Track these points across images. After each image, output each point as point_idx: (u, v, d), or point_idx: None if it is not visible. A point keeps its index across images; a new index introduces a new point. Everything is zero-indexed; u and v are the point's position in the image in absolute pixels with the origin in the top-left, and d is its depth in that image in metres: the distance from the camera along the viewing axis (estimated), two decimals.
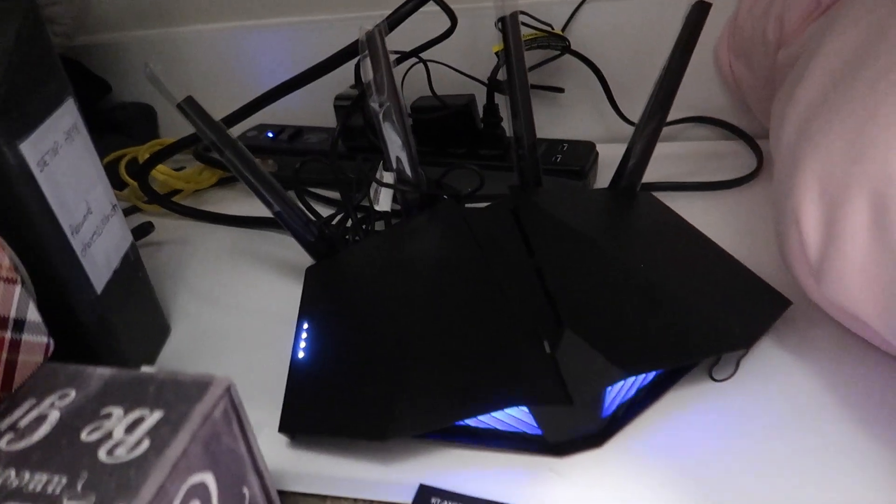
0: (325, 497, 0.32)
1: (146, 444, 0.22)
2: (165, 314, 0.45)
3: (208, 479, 0.23)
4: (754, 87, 0.53)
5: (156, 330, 0.43)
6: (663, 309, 0.34)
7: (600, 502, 0.30)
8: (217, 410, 0.23)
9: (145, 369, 0.25)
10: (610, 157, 0.53)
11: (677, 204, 0.44)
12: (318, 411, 0.34)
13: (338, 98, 0.56)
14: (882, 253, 0.29)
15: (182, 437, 0.22)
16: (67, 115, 0.35)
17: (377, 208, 0.46)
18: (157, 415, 0.23)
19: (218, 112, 0.47)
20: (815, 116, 0.35)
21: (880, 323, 0.31)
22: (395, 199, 0.46)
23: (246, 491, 0.25)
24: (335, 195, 0.56)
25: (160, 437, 0.22)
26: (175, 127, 0.68)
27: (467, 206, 0.46)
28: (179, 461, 0.21)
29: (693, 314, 0.34)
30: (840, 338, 0.36)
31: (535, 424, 0.32)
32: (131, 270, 0.40)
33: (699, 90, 0.58)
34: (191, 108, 0.38)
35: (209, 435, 0.23)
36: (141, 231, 0.53)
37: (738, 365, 0.36)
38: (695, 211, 0.43)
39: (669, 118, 0.42)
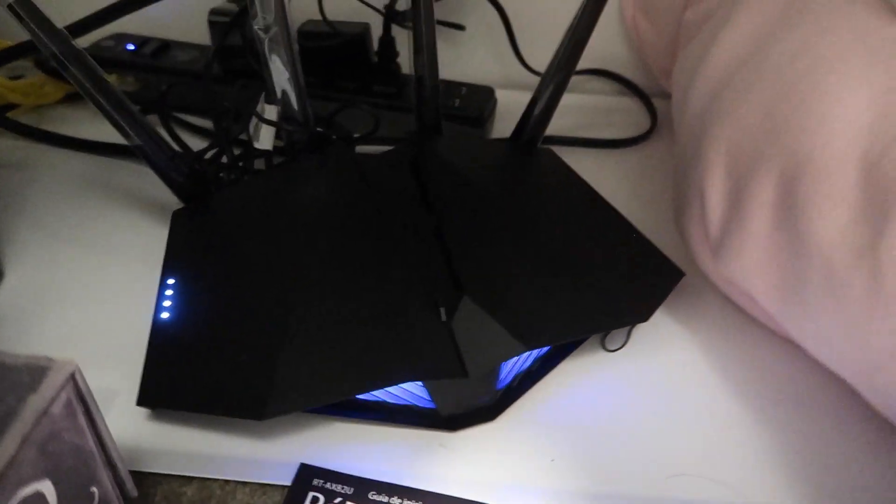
0: (190, 479, 0.29)
1: None
2: None
3: (45, 487, 0.19)
4: (656, 44, 0.52)
5: None
6: (564, 278, 0.33)
7: (492, 478, 0.29)
8: (57, 404, 0.19)
9: None
10: (507, 103, 0.51)
11: (571, 158, 0.43)
12: (183, 383, 0.30)
13: (213, 12, 0.49)
14: (783, 235, 0.29)
15: (9, 442, 0.18)
16: None
17: (257, 146, 0.41)
18: None
19: (67, 15, 0.39)
20: (728, 86, 0.34)
21: (770, 302, 0.31)
22: (278, 135, 0.42)
23: (95, 490, 0.22)
24: (207, 123, 0.50)
25: None
26: (13, 27, 0.58)
27: (359, 149, 0.42)
28: (6, 473, 0.17)
29: (592, 285, 0.33)
30: (726, 311, 0.37)
31: (428, 398, 0.30)
32: None
33: (599, 41, 0.56)
34: (24, 8, 0.31)
35: (46, 435, 0.19)
36: None
37: (629, 335, 0.35)
38: (588, 167, 0.42)
39: None
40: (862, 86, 0.27)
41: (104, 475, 0.22)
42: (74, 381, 0.20)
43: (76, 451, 0.20)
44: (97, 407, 0.21)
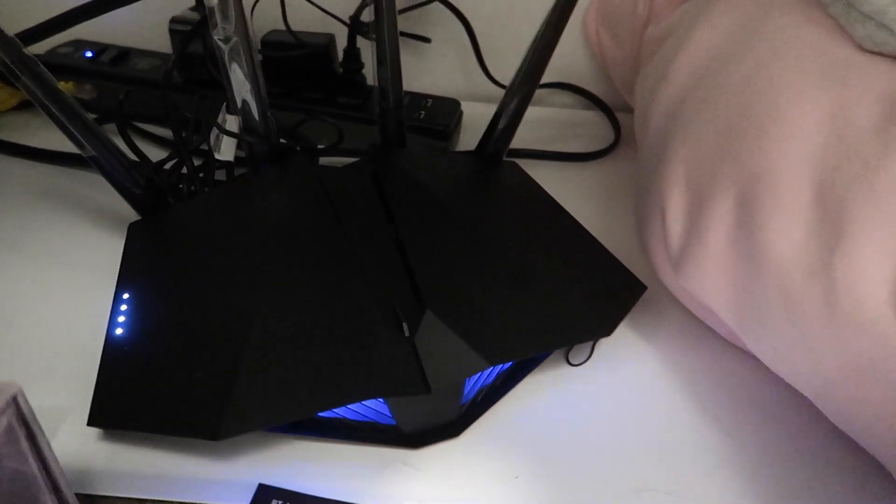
0: (143, 501, 0.28)
1: None
2: None
3: None
4: (618, 60, 0.52)
5: None
6: (527, 292, 0.33)
7: (456, 496, 0.29)
8: None
9: None
10: (473, 115, 0.51)
11: (535, 171, 0.43)
12: (137, 402, 0.29)
13: (174, 21, 0.49)
14: (740, 250, 0.29)
15: None
16: None
17: (218, 157, 0.40)
18: None
19: (21, 22, 0.38)
20: (687, 104, 0.34)
21: (729, 316, 0.31)
22: (239, 146, 0.41)
23: None
24: (167, 133, 0.49)
25: None
26: None
27: (322, 161, 0.42)
28: None
29: (556, 299, 0.33)
30: (688, 324, 0.37)
31: (389, 414, 0.30)
32: None
33: (564, 56, 0.56)
34: None
35: None
36: None
37: (592, 349, 0.35)
38: (552, 180, 0.43)
39: None
40: (815, 106, 0.27)
41: (48, 501, 0.21)
42: (17, 405, 0.19)
43: (17, 477, 0.19)
44: (41, 430, 0.20)
